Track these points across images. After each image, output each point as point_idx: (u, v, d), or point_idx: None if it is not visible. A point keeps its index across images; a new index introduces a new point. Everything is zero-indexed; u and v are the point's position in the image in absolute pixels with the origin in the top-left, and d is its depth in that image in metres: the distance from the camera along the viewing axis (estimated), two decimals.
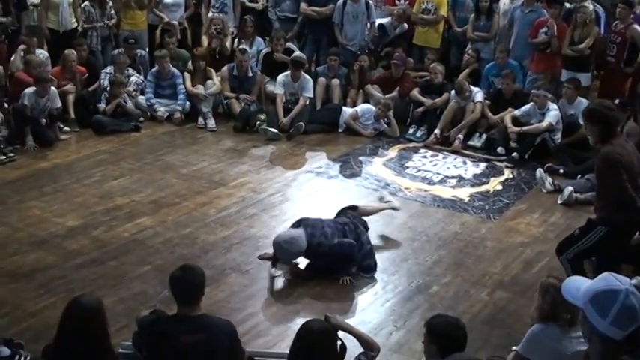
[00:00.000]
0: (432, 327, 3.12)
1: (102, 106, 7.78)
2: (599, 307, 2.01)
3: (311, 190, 6.57)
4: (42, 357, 3.18)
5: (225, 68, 8.37)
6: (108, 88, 7.86)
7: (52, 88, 7.33)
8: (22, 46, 7.82)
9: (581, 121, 7.31)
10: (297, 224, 5.04)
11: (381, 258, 5.26)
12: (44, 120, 7.31)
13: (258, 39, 8.91)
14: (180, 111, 8.16)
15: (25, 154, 7.00)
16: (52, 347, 3.08)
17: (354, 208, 5.45)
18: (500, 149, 7.46)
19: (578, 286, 2.10)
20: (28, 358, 3.37)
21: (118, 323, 4.02)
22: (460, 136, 7.74)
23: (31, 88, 7.18)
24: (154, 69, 8.32)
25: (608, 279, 2.05)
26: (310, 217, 5.13)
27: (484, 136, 7.79)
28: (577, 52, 7.75)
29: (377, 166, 7.17)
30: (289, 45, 8.76)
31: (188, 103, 8.23)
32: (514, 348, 3.45)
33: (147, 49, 8.75)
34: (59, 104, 7.38)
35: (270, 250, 5.18)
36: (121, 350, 3.51)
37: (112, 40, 8.68)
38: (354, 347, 3.43)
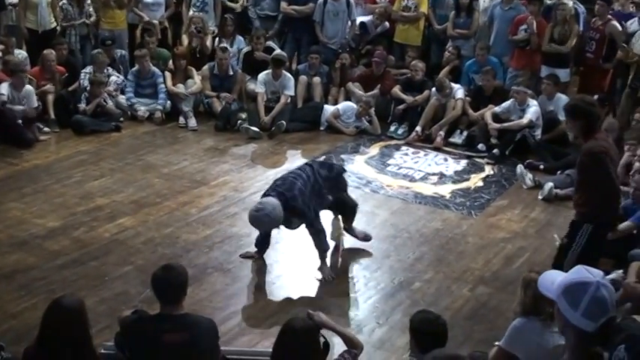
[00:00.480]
0: (411, 323, 3.18)
1: (82, 106, 7.71)
2: (571, 299, 2.03)
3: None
4: (23, 359, 3.13)
5: (205, 67, 8.34)
6: (88, 88, 7.78)
7: (29, 86, 7.27)
8: (0, 46, 7.72)
9: (561, 117, 7.42)
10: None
11: (363, 255, 5.28)
12: (20, 121, 7.23)
13: (239, 37, 8.89)
14: (161, 110, 8.11)
15: (5, 154, 6.92)
16: (33, 349, 3.06)
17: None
18: (480, 146, 7.50)
19: (553, 279, 2.12)
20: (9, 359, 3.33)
21: (99, 324, 4.00)
22: (441, 132, 7.76)
23: (7, 81, 7.14)
24: (134, 68, 8.27)
25: (580, 272, 2.08)
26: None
27: (465, 133, 7.82)
28: (557, 50, 7.80)
29: (359, 164, 7.18)
30: (270, 43, 8.76)
31: (169, 102, 8.18)
32: (496, 343, 3.47)
33: (127, 49, 8.68)
34: (35, 104, 7.31)
35: (252, 249, 5.17)
36: (103, 351, 3.47)
37: (90, 39, 8.62)
38: (337, 345, 3.43)
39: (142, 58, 8.11)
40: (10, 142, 7.09)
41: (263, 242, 5.15)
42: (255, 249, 5.21)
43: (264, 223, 4.77)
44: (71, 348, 2.97)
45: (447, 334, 3.12)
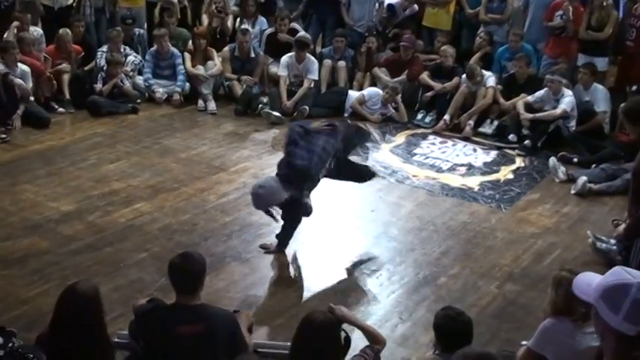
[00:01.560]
0: (435, 319, 3.13)
1: (98, 86, 7.64)
2: (611, 302, 1.94)
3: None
4: (35, 345, 3.07)
5: (226, 49, 8.23)
6: (104, 68, 7.70)
7: (24, 67, 7.15)
8: (15, 23, 7.63)
9: (597, 109, 7.25)
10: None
11: (387, 248, 5.15)
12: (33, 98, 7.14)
13: (262, 18, 8.77)
14: (179, 92, 8.01)
15: (18, 135, 6.87)
16: (46, 336, 3.01)
17: None
18: (512, 136, 7.34)
19: (589, 281, 2.04)
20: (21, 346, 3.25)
21: (113, 312, 3.93)
22: (471, 122, 7.60)
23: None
24: (152, 49, 8.17)
25: (620, 273, 1.98)
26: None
27: (495, 123, 7.66)
28: (594, 37, 7.58)
29: (384, 153, 7.03)
30: (294, 25, 8.65)
31: (188, 84, 8.09)
32: (524, 343, 3.37)
33: (145, 28, 8.56)
34: (30, 84, 7.18)
35: (272, 240, 5.01)
36: (117, 340, 3.45)
37: (106, 12, 8.47)
38: (358, 340, 3.33)
39: (161, 37, 8.00)
40: (27, 121, 7.03)
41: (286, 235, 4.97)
42: (276, 240, 5.03)
43: (258, 195, 4.58)
44: (85, 335, 2.91)
45: (472, 332, 3.03)
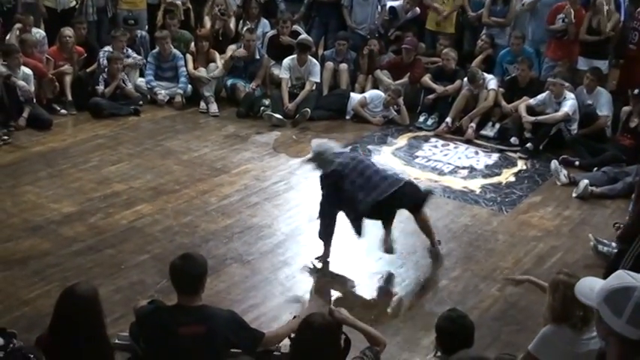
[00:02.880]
0: (437, 320, 3.13)
1: (100, 88, 7.62)
2: (614, 306, 1.93)
3: (316, 179, 6.39)
4: (35, 346, 3.08)
5: (233, 46, 8.19)
6: (106, 69, 7.69)
7: (27, 70, 7.16)
8: (17, 25, 7.62)
9: (599, 112, 7.21)
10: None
11: None
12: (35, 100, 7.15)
13: (264, 21, 8.76)
14: (181, 94, 8.00)
15: (20, 136, 6.86)
16: (46, 338, 3.02)
17: None
18: (513, 139, 7.30)
19: (592, 286, 2.04)
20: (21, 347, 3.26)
21: (114, 313, 3.95)
22: (473, 124, 7.57)
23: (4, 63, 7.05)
24: (154, 50, 8.16)
25: (622, 276, 1.98)
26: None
27: (497, 126, 7.63)
28: (595, 39, 7.54)
29: (385, 155, 7.02)
30: (296, 27, 8.62)
31: (190, 86, 8.07)
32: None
33: (147, 30, 8.57)
34: (33, 87, 7.17)
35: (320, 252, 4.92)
36: (117, 341, 3.47)
37: (107, 12, 8.46)
38: (358, 342, 3.31)
39: (163, 39, 8.00)
40: (29, 123, 7.03)
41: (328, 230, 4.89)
42: (322, 241, 4.93)
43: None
44: (84, 337, 2.92)
45: (473, 335, 3.02)
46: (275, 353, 3.50)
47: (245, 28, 8.27)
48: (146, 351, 3.23)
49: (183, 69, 8.06)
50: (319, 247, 5.07)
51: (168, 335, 3.11)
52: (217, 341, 3.13)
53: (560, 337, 3.15)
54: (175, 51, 8.10)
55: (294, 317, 3.54)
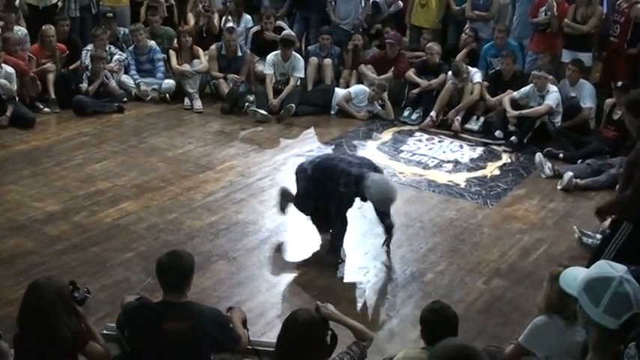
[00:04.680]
0: (421, 312, 3.16)
1: (84, 86, 7.57)
2: (592, 294, 1.97)
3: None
4: (12, 346, 3.12)
5: (213, 47, 8.17)
6: (89, 67, 7.63)
7: (9, 68, 7.09)
8: None
9: (583, 104, 7.24)
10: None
11: (374, 245, 5.11)
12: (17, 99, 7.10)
13: (246, 16, 8.74)
14: (157, 89, 7.95)
15: (3, 135, 6.80)
16: (17, 334, 3.06)
17: None
18: (498, 133, 7.32)
19: (576, 275, 2.07)
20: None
21: (100, 312, 3.94)
22: (459, 117, 7.58)
23: None
24: (131, 46, 8.13)
25: (603, 266, 2.01)
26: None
27: (482, 119, 7.64)
28: (577, 30, 7.56)
29: (370, 150, 7.01)
30: (280, 23, 8.60)
31: (173, 82, 8.02)
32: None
33: (129, 27, 8.49)
34: (15, 86, 7.11)
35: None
36: (104, 332, 3.48)
37: (91, 9, 8.38)
38: (345, 337, 3.31)
39: (137, 31, 8.00)
40: (13, 121, 6.97)
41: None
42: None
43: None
44: (45, 333, 2.95)
45: (457, 326, 3.04)
46: (260, 349, 3.50)
47: (225, 28, 8.22)
48: (132, 346, 3.24)
49: (161, 63, 8.03)
50: (305, 242, 5.08)
51: (153, 331, 3.11)
52: (202, 337, 3.13)
53: (551, 328, 3.17)
54: (151, 43, 8.07)
55: (229, 308, 3.59)
